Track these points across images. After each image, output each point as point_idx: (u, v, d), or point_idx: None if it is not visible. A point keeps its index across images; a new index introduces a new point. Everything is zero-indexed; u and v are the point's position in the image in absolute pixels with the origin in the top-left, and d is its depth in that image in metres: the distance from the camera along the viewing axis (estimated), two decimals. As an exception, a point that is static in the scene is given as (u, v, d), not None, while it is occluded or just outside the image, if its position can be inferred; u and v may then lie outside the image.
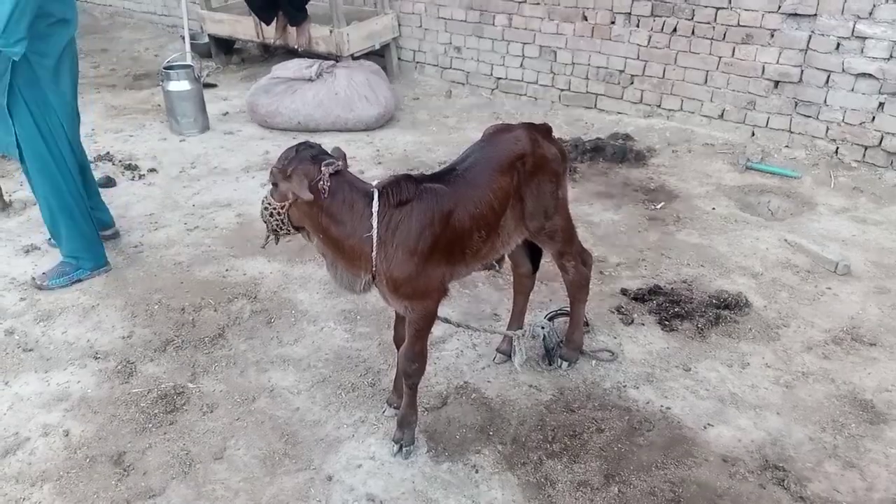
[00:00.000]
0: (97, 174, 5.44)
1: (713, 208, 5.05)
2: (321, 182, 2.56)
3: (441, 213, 2.70)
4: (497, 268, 3.27)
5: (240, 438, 3.09)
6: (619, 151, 5.78)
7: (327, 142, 6.02)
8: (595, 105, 6.66)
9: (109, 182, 5.40)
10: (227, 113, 6.82)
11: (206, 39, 8.22)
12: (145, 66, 8.34)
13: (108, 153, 5.84)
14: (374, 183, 2.74)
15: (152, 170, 5.63)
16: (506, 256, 3.29)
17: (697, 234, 4.73)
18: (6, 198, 4.96)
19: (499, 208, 2.88)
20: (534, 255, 3.40)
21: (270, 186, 2.64)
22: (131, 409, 3.23)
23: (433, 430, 3.15)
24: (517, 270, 3.46)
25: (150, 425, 3.15)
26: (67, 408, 3.24)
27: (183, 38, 7.66)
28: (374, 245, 2.61)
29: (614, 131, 6.19)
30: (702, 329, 3.78)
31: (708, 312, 3.89)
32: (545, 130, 3.15)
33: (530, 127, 3.09)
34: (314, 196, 2.54)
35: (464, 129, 6.48)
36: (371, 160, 5.82)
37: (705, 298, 4.01)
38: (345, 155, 2.71)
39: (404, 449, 3.00)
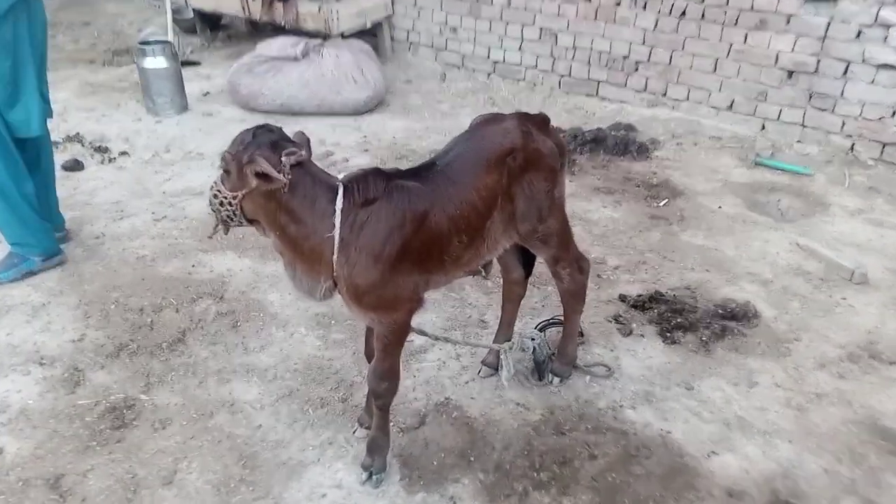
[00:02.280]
0: (64, 156, 5.12)
1: (720, 207, 4.73)
2: (281, 174, 2.26)
3: (413, 214, 2.40)
4: (483, 274, 2.95)
5: (193, 460, 2.78)
6: (620, 143, 5.45)
7: (312, 127, 5.76)
8: (597, 92, 6.31)
9: (77, 165, 5.06)
10: (207, 93, 6.45)
11: (191, 14, 7.83)
12: (127, 41, 7.95)
13: (77, 133, 5.48)
14: (340, 177, 2.42)
15: (123, 153, 5.29)
16: (494, 261, 2.98)
17: (703, 234, 4.41)
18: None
19: (484, 210, 2.57)
20: (527, 259, 3.08)
21: (221, 172, 2.32)
22: (75, 424, 2.91)
23: (408, 453, 2.85)
24: (507, 276, 3.15)
25: (95, 443, 2.83)
26: (4, 421, 2.92)
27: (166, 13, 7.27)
28: (336, 248, 2.31)
29: (616, 121, 5.85)
30: (706, 342, 3.47)
31: (713, 323, 3.58)
32: (540, 121, 2.81)
33: (523, 117, 2.76)
34: (272, 189, 2.24)
35: (457, 116, 6.14)
36: (357, 147, 5.48)
37: (710, 308, 3.70)
38: (308, 141, 2.40)
39: (374, 477, 2.69)
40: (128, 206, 4.57)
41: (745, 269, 4.07)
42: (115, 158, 5.21)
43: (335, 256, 2.33)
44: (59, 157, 5.07)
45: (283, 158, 2.25)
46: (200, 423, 2.96)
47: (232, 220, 2.36)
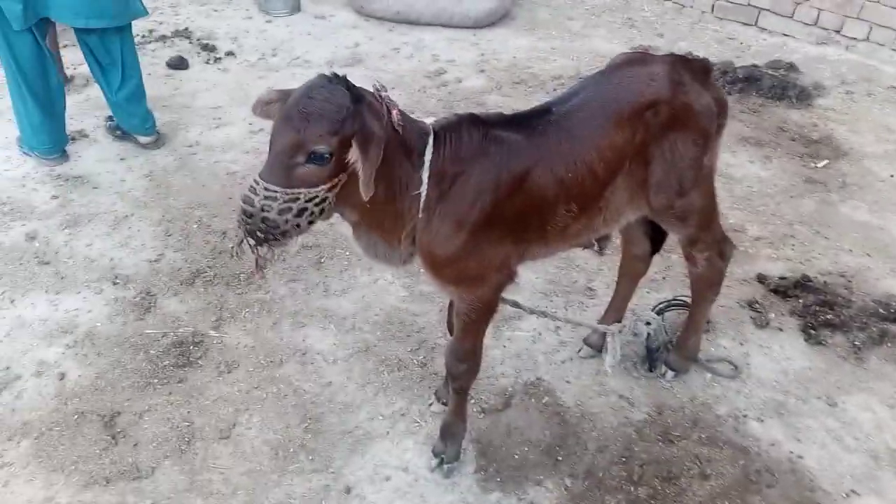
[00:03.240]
0: (170, 52, 4.90)
1: (892, 175, 3.97)
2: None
3: (511, 174, 1.98)
4: (597, 248, 2.49)
5: (255, 413, 2.56)
6: (778, 85, 4.67)
7: (427, 39, 5.26)
8: (756, 21, 5.45)
9: (181, 63, 4.83)
10: (323, -8, 6.03)
11: None
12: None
13: (186, 29, 5.24)
14: (429, 122, 2.01)
15: (230, 53, 5.01)
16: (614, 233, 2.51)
17: (867, 208, 3.72)
18: (67, 71, 4.47)
19: (604, 174, 2.10)
20: (656, 232, 2.57)
21: (303, 167, 1.74)
22: (139, 357, 2.73)
23: (487, 440, 2.51)
24: (628, 249, 2.66)
25: (156, 380, 2.65)
26: (70, 343, 2.78)
27: None
28: (420, 207, 1.93)
29: (775, 58, 5.02)
30: (859, 347, 2.90)
31: (870, 324, 2.99)
32: (699, 69, 2.26)
33: (676, 62, 2.22)
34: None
35: (589, 37, 5.47)
36: (473, 66, 4.95)
37: (868, 304, 3.09)
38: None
39: (445, 466, 2.37)
40: (226, 114, 4.31)
41: (915, 257, 3.39)
42: (220, 58, 4.94)
43: (419, 217, 1.95)
44: (166, 53, 4.89)
45: (391, 112, 1.84)
46: (268, 370, 2.72)
47: (312, 224, 1.84)
